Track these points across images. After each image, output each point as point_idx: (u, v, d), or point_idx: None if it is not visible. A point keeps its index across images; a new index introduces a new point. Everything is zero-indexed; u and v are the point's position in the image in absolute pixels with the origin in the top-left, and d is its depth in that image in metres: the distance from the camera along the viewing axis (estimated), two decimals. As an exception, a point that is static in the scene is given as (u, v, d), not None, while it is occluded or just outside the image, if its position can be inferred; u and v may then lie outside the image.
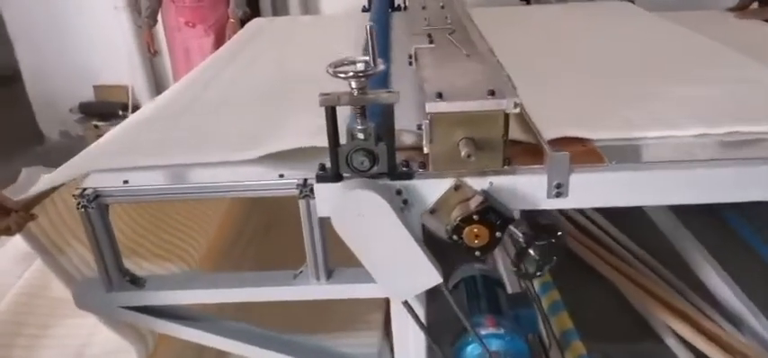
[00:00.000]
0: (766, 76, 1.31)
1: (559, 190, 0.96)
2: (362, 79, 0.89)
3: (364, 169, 0.95)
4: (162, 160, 1.09)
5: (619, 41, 1.79)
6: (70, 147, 4.25)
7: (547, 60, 1.58)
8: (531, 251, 0.97)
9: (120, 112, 4.00)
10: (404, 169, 0.97)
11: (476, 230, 0.94)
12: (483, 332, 1.06)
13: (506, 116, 0.92)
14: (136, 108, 4.07)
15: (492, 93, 0.91)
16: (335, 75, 0.91)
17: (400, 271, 1.00)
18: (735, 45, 1.56)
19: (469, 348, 1.06)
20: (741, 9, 2.12)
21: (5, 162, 3.84)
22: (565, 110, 1.18)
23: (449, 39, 1.29)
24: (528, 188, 0.97)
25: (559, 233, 0.98)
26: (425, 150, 0.95)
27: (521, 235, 0.97)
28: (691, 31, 1.78)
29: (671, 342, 1.88)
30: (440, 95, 0.91)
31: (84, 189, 1.01)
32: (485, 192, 0.96)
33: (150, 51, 3.39)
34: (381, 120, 0.92)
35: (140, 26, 3.48)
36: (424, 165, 0.98)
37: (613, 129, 1.09)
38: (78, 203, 1.01)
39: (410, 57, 1.30)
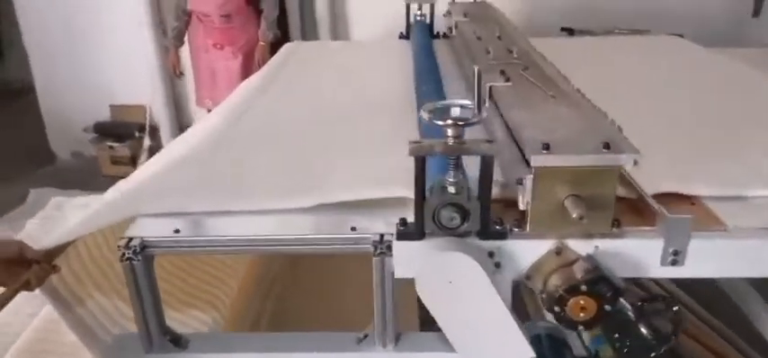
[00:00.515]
0: None
1: (676, 257, 0.84)
2: (461, 127, 0.78)
3: (453, 227, 0.83)
4: (213, 204, 0.97)
5: (682, 81, 1.68)
6: (81, 167, 4.14)
7: (613, 102, 1.46)
8: (642, 327, 0.84)
9: (137, 133, 3.88)
10: (497, 228, 0.85)
11: (582, 302, 0.81)
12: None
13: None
14: (153, 129, 3.95)
15: (607, 146, 0.80)
16: (430, 121, 0.80)
17: (487, 343, 0.87)
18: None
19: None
20: None
21: (14, 181, 3.69)
22: (652, 160, 1.06)
23: (524, 75, 1.18)
24: (638, 253, 0.84)
25: (675, 307, 0.85)
26: (522, 207, 0.83)
27: (629, 307, 0.85)
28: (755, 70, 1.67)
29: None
30: (547, 147, 0.79)
31: (131, 238, 0.89)
32: (592, 259, 0.83)
33: (176, 73, 3.28)
34: (478, 172, 0.81)
35: (166, 47, 3.38)
36: (519, 224, 0.86)
37: (714, 186, 0.97)
38: (123, 255, 0.88)
39: (481, 95, 1.19)
